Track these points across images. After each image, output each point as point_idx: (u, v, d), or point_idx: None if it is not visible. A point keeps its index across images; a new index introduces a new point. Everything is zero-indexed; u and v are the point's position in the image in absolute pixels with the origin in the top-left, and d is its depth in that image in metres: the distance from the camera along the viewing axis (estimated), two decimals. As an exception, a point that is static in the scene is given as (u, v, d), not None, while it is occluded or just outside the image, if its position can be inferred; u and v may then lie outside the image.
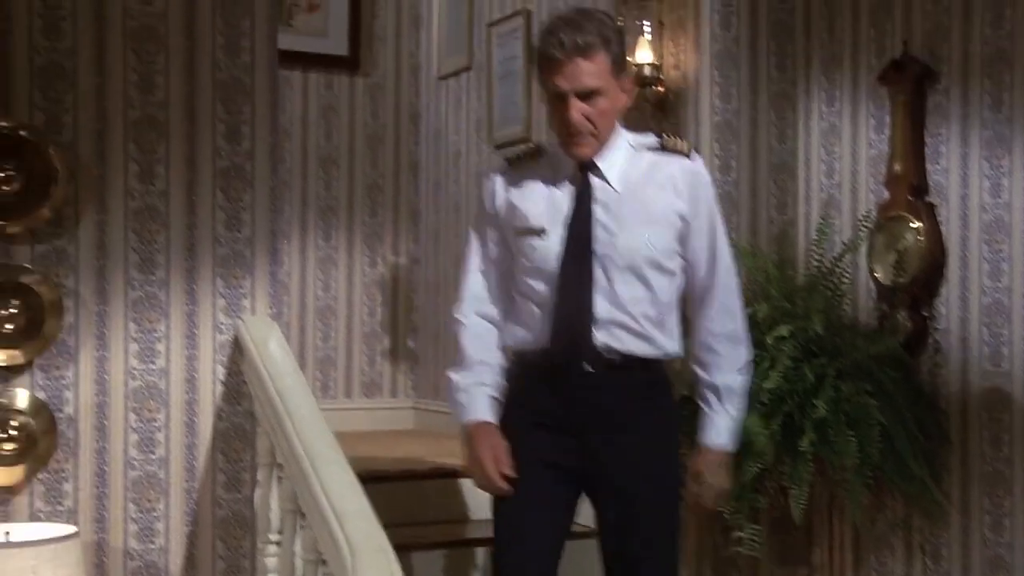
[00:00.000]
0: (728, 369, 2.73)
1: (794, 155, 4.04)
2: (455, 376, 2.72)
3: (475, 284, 2.75)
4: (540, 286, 2.63)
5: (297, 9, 5.36)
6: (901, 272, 3.64)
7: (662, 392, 2.73)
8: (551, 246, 2.62)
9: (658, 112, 4.08)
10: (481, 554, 3.65)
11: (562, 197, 2.65)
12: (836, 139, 3.95)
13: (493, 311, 2.74)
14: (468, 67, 5.27)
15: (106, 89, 3.11)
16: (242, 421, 3.22)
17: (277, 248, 3.33)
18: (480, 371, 2.70)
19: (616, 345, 2.62)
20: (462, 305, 2.75)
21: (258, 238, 3.26)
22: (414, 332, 5.60)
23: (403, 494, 3.82)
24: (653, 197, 2.63)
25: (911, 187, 3.65)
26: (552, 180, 2.67)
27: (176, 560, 3.13)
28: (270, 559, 3.05)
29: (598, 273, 2.60)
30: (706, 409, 2.74)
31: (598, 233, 2.60)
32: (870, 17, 3.85)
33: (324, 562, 2.64)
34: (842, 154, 3.94)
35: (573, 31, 2.50)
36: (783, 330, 3.46)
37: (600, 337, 2.60)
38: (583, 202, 2.62)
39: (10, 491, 2.98)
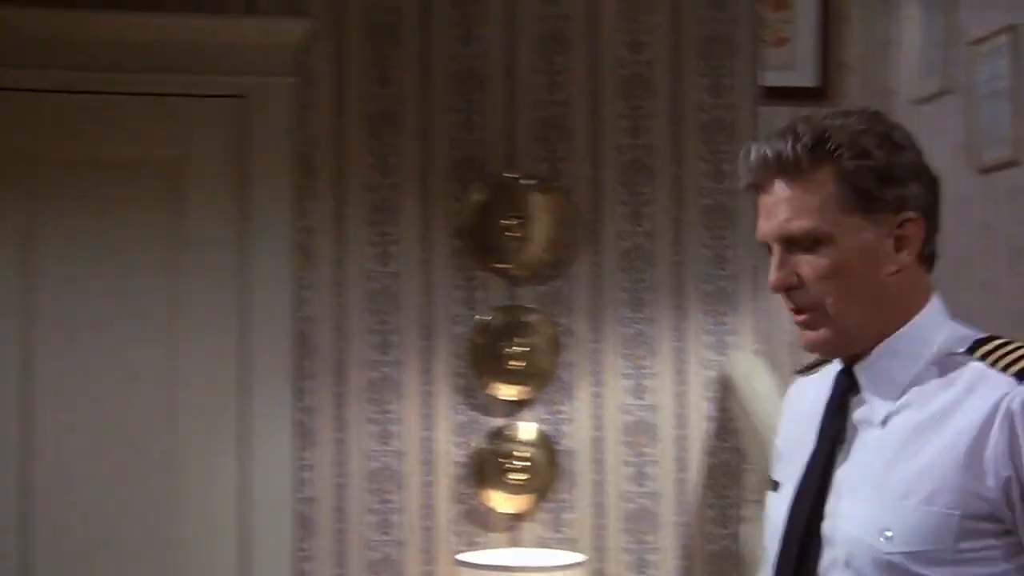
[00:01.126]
0: None
1: None
2: None
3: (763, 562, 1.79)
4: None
5: (764, 44, 5.36)
6: None
7: None
8: (778, 511, 1.61)
9: None
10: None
11: (812, 429, 1.61)
12: None
13: None
14: (947, 89, 5.00)
15: (598, 136, 3.26)
16: (729, 457, 3.22)
17: (760, 284, 3.32)
18: None
19: None
20: None
21: (741, 275, 3.27)
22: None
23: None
24: (930, 454, 1.46)
25: None
26: (821, 400, 1.63)
27: (669, 593, 3.19)
28: (761, 597, 3.03)
29: (822, 568, 1.53)
30: None
31: (831, 501, 1.54)
32: None
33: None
34: None
35: (774, 139, 1.52)
36: None
37: None
38: (823, 443, 1.58)
39: (519, 518, 3.18)
